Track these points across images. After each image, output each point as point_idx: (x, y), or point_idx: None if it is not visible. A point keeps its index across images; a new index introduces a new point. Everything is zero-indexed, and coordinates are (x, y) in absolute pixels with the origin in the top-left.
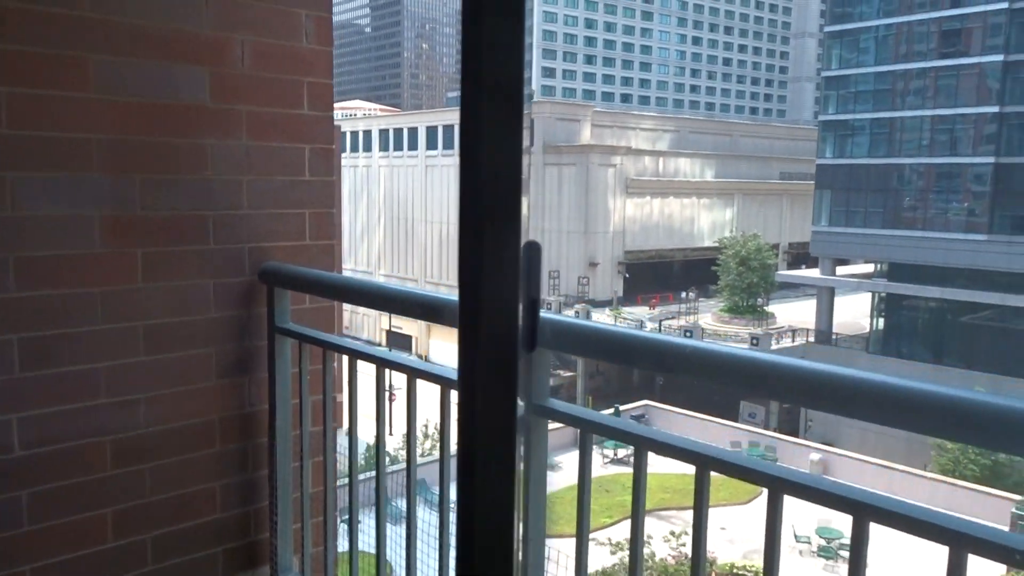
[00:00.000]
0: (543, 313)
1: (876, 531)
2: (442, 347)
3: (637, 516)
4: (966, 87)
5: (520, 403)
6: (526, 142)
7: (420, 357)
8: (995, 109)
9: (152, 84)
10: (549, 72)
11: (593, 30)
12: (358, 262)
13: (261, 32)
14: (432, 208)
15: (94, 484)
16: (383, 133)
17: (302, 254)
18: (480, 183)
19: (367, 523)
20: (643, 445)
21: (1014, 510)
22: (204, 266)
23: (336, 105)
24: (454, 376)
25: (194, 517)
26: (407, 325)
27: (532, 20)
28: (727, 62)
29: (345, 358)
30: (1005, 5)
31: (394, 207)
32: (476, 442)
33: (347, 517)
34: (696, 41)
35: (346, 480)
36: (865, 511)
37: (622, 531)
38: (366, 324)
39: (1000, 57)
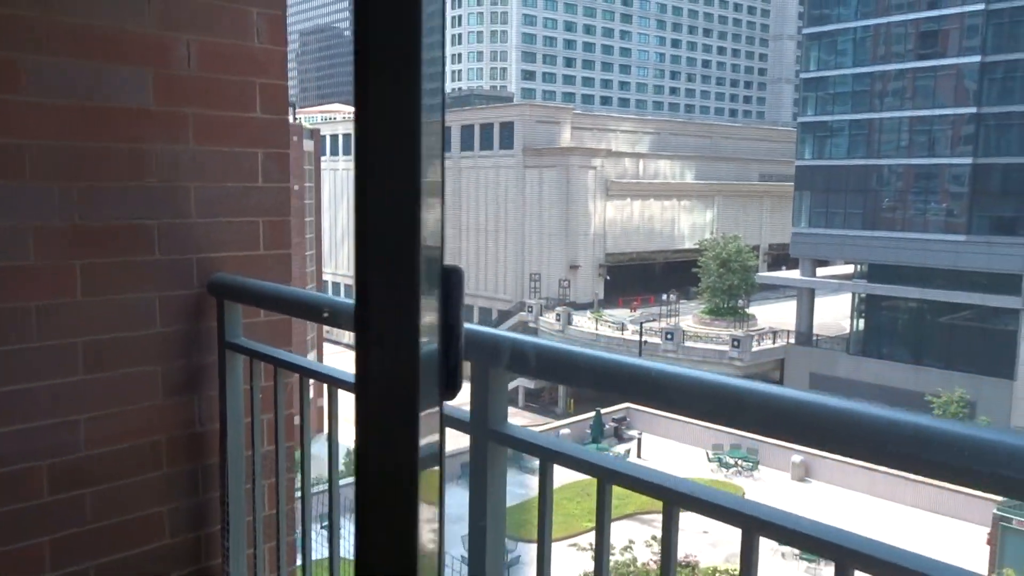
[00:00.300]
0: (502, 331)
1: None
2: None
3: (602, 550)
4: (944, 88)
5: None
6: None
7: None
8: (972, 110)
9: (90, 86)
10: (529, 75)
11: (572, 33)
12: (339, 266)
13: (208, 31)
14: None
15: (30, 511)
16: None
17: (255, 265)
18: (372, 191)
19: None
20: (607, 478)
21: (996, 511)
22: (149, 278)
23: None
24: None
25: (141, 544)
26: None
27: (511, 23)
28: (706, 64)
29: (297, 376)
30: (981, 7)
31: None
32: (369, 488)
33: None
34: (675, 43)
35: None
36: (848, 557)
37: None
38: (345, 327)
39: (977, 58)
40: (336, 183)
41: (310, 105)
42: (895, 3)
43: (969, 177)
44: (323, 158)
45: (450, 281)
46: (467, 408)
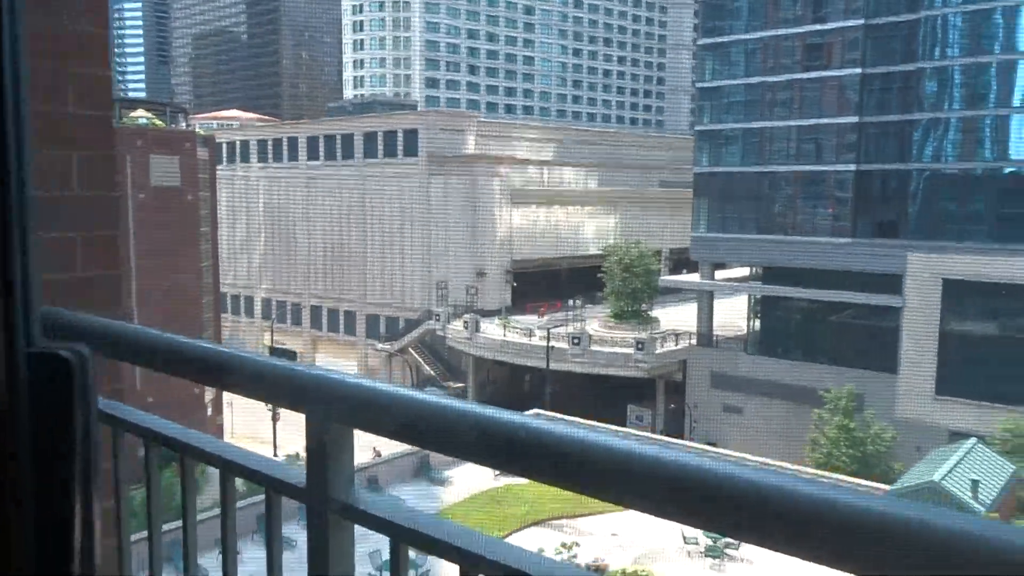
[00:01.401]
0: (353, 375)
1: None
2: (331, 363)
3: None
4: (828, 98)
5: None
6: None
7: None
8: (855, 119)
9: None
10: (433, 82)
11: (476, 40)
12: (238, 278)
13: None
14: (316, 220)
15: None
16: (262, 144)
17: (73, 291)
18: None
19: None
20: (466, 562)
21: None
22: None
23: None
24: (294, 480)
25: None
26: (290, 340)
27: (414, 30)
28: (607, 73)
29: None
30: (861, 22)
31: (275, 220)
32: None
33: None
34: (577, 52)
35: None
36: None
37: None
38: (247, 339)
39: (858, 70)
40: (234, 192)
41: (206, 111)
42: (783, 17)
43: (853, 183)
44: (219, 167)
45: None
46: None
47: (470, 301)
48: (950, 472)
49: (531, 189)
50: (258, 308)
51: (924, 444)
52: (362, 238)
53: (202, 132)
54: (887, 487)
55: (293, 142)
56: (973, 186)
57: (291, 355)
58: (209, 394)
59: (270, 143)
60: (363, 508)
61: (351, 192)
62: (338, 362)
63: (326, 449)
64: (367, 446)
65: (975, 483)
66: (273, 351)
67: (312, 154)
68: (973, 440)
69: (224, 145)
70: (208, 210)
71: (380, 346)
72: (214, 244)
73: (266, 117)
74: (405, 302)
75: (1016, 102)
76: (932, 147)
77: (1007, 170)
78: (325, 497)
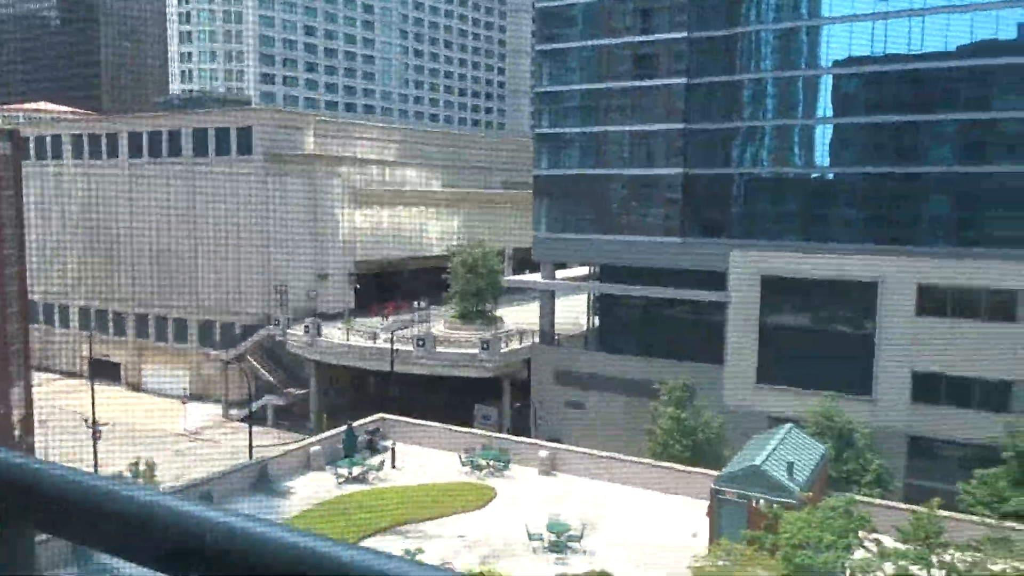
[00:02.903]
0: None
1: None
2: (159, 374)
3: None
4: (658, 105)
5: None
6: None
7: (131, 387)
8: (681, 126)
9: None
10: (268, 78)
11: (313, 37)
12: (51, 285)
13: None
14: (140, 222)
15: None
16: (77, 139)
17: None
18: None
19: None
20: None
21: (713, 485)
22: None
23: (15, 107)
24: None
25: None
26: (115, 352)
27: (247, 24)
28: (448, 75)
29: None
30: (684, 35)
31: (94, 222)
32: None
33: None
34: (418, 53)
35: None
36: None
37: None
38: (63, 352)
39: (683, 80)
40: (45, 190)
41: (10, 103)
42: (615, 27)
43: (681, 185)
44: (25, 163)
45: None
46: None
47: (311, 305)
48: (769, 456)
49: (373, 189)
50: (75, 318)
51: (749, 430)
52: (192, 241)
53: (3, 125)
54: (715, 472)
55: (113, 138)
56: (786, 189)
57: (115, 370)
58: (17, 411)
59: (86, 138)
60: None
61: (180, 192)
62: (169, 372)
63: None
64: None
65: (791, 465)
66: (94, 365)
67: (135, 152)
68: (789, 425)
69: (32, 140)
70: (13, 211)
71: (214, 354)
72: (20, 247)
73: (81, 111)
74: (242, 307)
75: (819, 113)
76: (750, 153)
77: (813, 175)
78: None
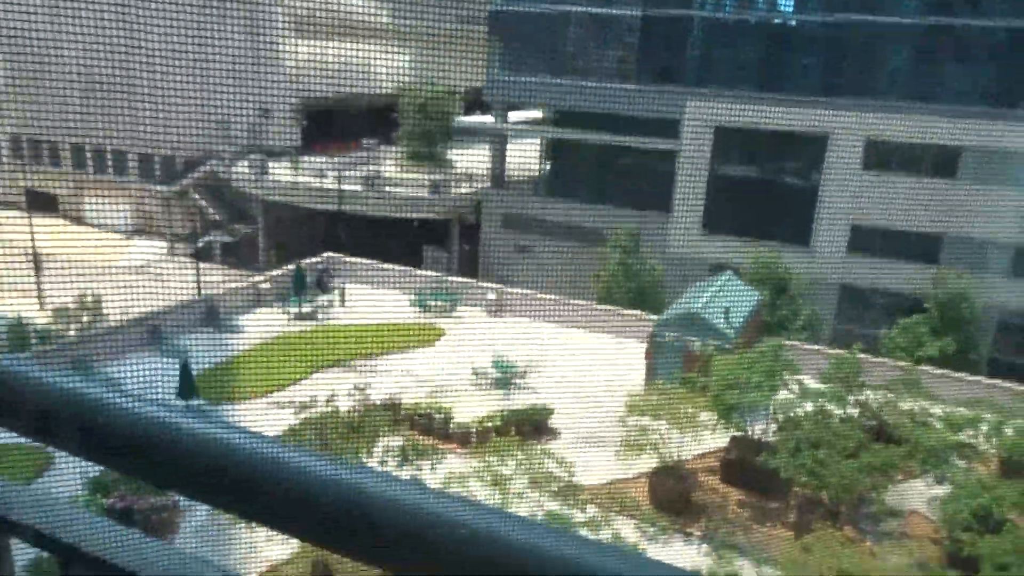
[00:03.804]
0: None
1: None
2: (101, 210)
3: None
4: None
5: None
6: None
7: (72, 221)
8: None
9: None
10: None
11: None
12: None
13: None
14: (71, 49)
15: None
16: None
17: None
18: None
19: None
20: None
21: (652, 329)
22: None
23: None
24: None
25: None
26: (53, 184)
27: None
28: None
29: None
30: None
31: (20, 47)
32: None
33: None
34: None
35: None
36: None
37: (308, 389)
38: None
39: None
40: None
41: None
42: None
43: (640, 28)
44: None
45: None
46: None
47: (256, 141)
48: (708, 302)
49: (319, 20)
50: (4, 147)
51: (691, 277)
52: (126, 70)
53: None
54: (656, 317)
55: None
56: (746, 35)
57: (52, 200)
58: None
59: None
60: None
61: (110, 17)
62: (109, 206)
63: None
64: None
65: (727, 311)
66: (29, 195)
67: None
68: (728, 273)
69: None
70: None
71: (157, 189)
72: None
73: None
74: (184, 141)
75: None
76: None
77: (775, 21)
78: None
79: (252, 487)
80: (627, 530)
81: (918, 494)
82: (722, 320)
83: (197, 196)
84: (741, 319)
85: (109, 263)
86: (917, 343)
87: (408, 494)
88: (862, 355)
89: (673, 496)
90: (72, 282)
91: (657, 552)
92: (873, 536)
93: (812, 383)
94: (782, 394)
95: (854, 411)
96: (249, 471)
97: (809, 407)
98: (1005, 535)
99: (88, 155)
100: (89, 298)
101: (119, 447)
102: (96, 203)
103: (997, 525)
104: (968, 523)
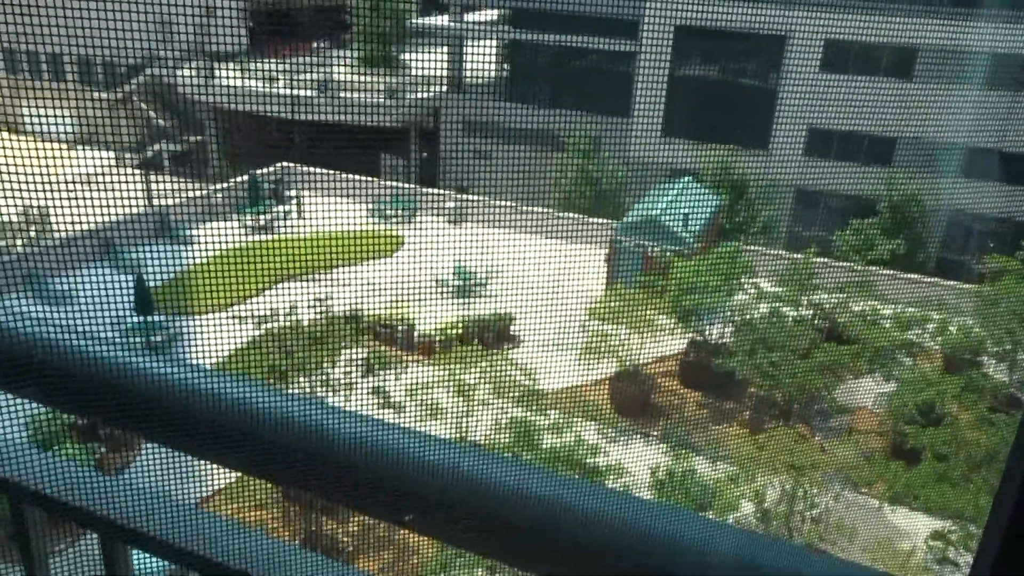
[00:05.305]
0: None
1: None
2: (39, 116)
3: None
4: None
5: None
6: None
7: (9, 129)
8: None
9: None
10: None
11: None
12: None
13: None
14: None
15: None
16: None
17: None
18: None
19: None
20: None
21: (612, 233)
22: None
23: None
24: None
25: None
26: None
27: None
28: None
29: None
30: None
31: None
32: None
33: None
34: None
35: None
36: None
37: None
38: None
39: None
40: None
41: None
42: None
43: None
44: None
45: None
46: None
47: (201, 43)
48: (667, 207)
49: None
50: None
51: (650, 181)
52: None
53: None
54: (615, 223)
55: None
56: None
57: None
58: None
59: None
60: None
61: None
62: (50, 114)
63: None
64: None
65: (686, 215)
66: None
67: None
68: (688, 178)
69: None
70: None
71: (100, 95)
72: None
73: None
74: (123, 43)
75: None
76: None
77: None
78: None
79: (188, 419)
80: (588, 432)
81: (867, 391)
82: (681, 224)
83: (141, 102)
84: (701, 223)
85: (54, 175)
86: (869, 245)
87: (349, 422)
88: (817, 258)
89: (633, 399)
90: (14, 194)
91: (618, 452)
92: (824, 432)
93: (768, 286)
94: (739, 297)
95: (808, 313)
96: (185, 404)
97: (765, 309)
98: (945, 427)
99: (22, 57)
100: (35, 211)
101: (57, 384)
102: (35, 110)
103: (939, 418)
104: (912, 416)
